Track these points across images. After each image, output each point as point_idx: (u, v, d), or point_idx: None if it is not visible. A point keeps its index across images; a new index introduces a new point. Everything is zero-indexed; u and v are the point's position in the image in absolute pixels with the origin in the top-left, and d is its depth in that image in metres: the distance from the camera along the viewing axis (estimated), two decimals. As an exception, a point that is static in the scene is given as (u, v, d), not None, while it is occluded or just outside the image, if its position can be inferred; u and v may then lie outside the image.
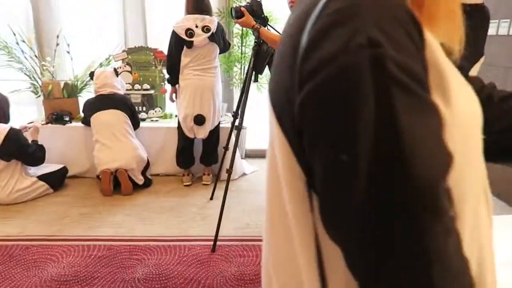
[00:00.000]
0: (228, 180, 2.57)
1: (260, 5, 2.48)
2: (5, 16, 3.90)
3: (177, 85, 3.36)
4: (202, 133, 3.37)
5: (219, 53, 3.35)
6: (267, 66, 2.57)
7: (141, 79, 3.98)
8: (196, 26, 3.11)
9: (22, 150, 2.98)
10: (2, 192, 2.96)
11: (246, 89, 2.57)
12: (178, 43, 3.14)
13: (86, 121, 3.36)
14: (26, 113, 4.19)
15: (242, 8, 2.40)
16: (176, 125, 3.53)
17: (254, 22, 2.40)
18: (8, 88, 3.69)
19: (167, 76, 3.40)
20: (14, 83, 3.85)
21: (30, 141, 3.19)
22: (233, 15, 2.44)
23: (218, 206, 2.58)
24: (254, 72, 2.56)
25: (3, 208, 2.98)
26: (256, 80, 2.60)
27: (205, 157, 3.54)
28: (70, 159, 3.58)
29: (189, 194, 3.32)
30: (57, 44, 3.80)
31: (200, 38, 3.11)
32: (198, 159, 3.56)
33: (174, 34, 3.14)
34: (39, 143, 3.23)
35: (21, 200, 3.05)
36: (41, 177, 3.17)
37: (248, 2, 2.48)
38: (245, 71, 3.83)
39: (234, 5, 2.53)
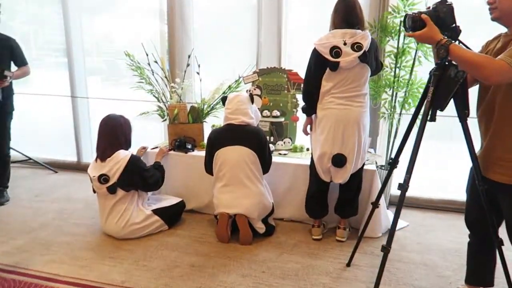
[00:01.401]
0: (384, 261, 1.80)
1: (450, 10, 1.68)
2: (139, 36, 3.83)
3: (313, 116, 2.73)
4: (340, 176, 2.65)
5: (370, 76, 2.62)
6: (452, 99, 1.74)
7: (271, 104, 3.48)
8: (345, 44, 2.44)
9: (141, 177, 2.71)
10: (117, 225, 2.70)
11: (419, 132, 1.79)
12: (320, 65, 2.51)
13: (209, 162, 2.86)
14: (153, 137, 4.05)
15: (424, 16, 1.65)
16: (308, 162, 2.90)
17: (441, 36, 1.62)
18: (136, 109, 3.56)
19: (302, 103, 2.80)
20: (142, 104, 3.72)
21: (153, 163, 2.95)
22: (408, 25, 1.70)
23: (357, 280, 1.87)
24: (431, 107, 1.76)
25: (117, 244, 2.72)
26: (433, 119, 1.79)
27: (342, 207, 2.81)
28: (189, 191, 3.23)
29: (320, 254, 2.62)
30: (188, 65, 3.55)
31: (349, 58, 2.43)
32: (332, 207, 2.85)
33: (316, 54, 2.52)
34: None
35: (135, 235, 2.76)
36: (157, 211, 2.84)
37: (431, 7, 1.71)
38: (416, 103, 3.08)
39: (409, 12, 1.78)
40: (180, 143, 3.24)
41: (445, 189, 3.54)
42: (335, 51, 2.44)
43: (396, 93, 3.22)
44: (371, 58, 2.52)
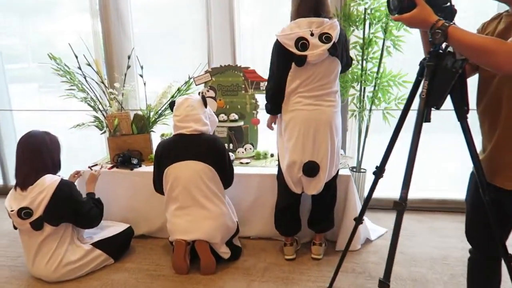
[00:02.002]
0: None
1: (443, -14, 1.37)
2: (69, 37, 3.29)
3: (278, 117, 2.37)
4: (314, 187, 2.30)
5: (340, 72, 2.29)
6: (449, 94, 1.43)
7: (228, 106, 3.08)
8: (312, 34, 2.09)
9: (74, 209, 2.20)
10: (47, 267, 2.20)
11: (414, 137, 1.48)
12: (285, 60, 2.14)
13: (158, 180, 2.42)
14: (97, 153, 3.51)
15: (413, -6, 1.32)
16: (274, 171, 2.54)
17: (436, 17, 1.30)
18: (76, 120, 3.03)
19: (262, 104, 2.42)
20: (83, 114, 3.17)
21: (87, 194, 2.42)
22: (394, 6, 1.37)
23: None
24: (426, 105, 1.45)
25: (49, 288, 2.21)
26: (428, 119, 1.48)
27: (317, 221, 2.47)
28: (138, 214, 2.76)
29: (295, 278, 2.27)
30: (128, 67, 3.06)
31: (317, 51, 2.08)
32: (305, 221, 2.51)
33: (279, 47, 2.15)
34: (96, 195, 2.45)
35: (71, 277, 2.26)
36: (99, 244, 2.36)
37: (420, -18, 1.39)
38: (387, 98, 2.79)
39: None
40: (123, 159, 2.76)
41: (419, 187, 3.33)
42: (302, 43, 2.08)
43: (365, 88, 2.93)
44: (341, 51, 2.20)
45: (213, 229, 2.26)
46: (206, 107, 2.48)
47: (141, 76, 3.04)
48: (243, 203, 2.67)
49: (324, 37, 2.09)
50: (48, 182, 2.14)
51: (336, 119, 2.24)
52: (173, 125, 2.42)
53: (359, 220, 1.91)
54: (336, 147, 2.28)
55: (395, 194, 3.12)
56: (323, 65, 2.14)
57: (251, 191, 2.66)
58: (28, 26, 3.70)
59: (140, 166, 2.81)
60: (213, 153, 2.32)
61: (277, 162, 2.77)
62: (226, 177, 2.40)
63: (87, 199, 2.28)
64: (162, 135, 3.14)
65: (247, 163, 2.84)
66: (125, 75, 3.07)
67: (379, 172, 1.78)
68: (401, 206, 1.46)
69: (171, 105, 2.49)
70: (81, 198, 2.24)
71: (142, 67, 3.03)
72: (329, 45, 2.08)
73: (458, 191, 3.15)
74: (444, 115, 1.59)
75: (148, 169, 2.74)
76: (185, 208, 2.28)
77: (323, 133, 2.20)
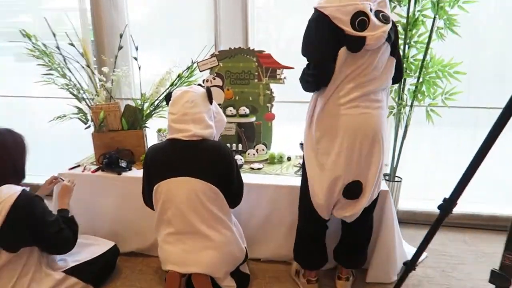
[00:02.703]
0: None
1: None
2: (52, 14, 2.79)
3: (309, 121, 1.78)
4: (350, 211, 1.76)
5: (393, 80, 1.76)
6: None
7: (237, 98, 2.57)
8: (370, 9, 1.55)
9: (37, 232, 1.72)
10: (8, 300, 1.75)
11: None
12: (333, 41, 1.56)
13: (148, 194, 1.91)
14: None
15: None
16: (291, 181, 2.04)
17: None
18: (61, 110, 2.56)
19: (277, 96, 1.89)
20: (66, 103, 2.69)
21: (57, 211, 1.94)
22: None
23: None
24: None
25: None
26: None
27: (347, 254, 1.96)
28: (127, 228, 2.31)
29: (318, 323, 1.79)
30: (120, 48, 2.56)
31: (377, 32, 1.53)
32: (331, 250, 2.01)
33: (325, 24, 1.56)
34: (76, 206, 1.98)
35: (39, 311, 1.81)
36: (74, 270, 1.90)
37: None
38: (433, 92, 2.17)
39: None
40: (110, 160, 2.28)
41: (466, 198, 2.79)
42: (361, 19, 1.51)
43: (405, 79, 2.39)
44: (395, 39, 1.66)
45: (215, 261, 1.78)
46: (211, 103, 1.93)
47: (135, 59, 2.55)
48: (253, 219, 2.19)
49: (382, 15, 1.55)
50: (5, 194, 1.66)
51: (384, 126, 1.71)
52: (167, 126, 1.91)
53: (411, 266, 1.40)
54: (382, 163, 1.75)
55: (430, 206, 2.52)
56: (378, 53, 1.59)
57: (263, 205, 2.17)
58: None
59: (130, 169, 2.33)
60: (217, 168, 1.80)
61: (295, 169, 2.27)
62: (233, 197, 1.89)
63: (56, 218, 1.80)
64: (159, 130, 2.66)
65: (259, 169, 2.34)
66: (116, 57, 2.57)
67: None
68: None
69: (167, 98, 1.98)
70: (48, 217, 1.75)
71: (137, 48, 2.54)
72: (389, 26, 1.54)
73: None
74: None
75: (140, 173, 2.26)
76: (180, 234, 1.80)
77: (372, 145, 1.66)
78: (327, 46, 1.56)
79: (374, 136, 1.64)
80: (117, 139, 2.41)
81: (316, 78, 1.64)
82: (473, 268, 2.22)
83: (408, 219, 2.70)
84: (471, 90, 2.51)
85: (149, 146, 2.04)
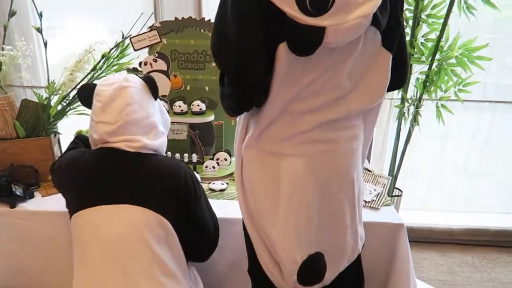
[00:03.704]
0: None
1: None
2: None
3: (247, 153, 1.08)
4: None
5: (390, 85, 1.05)
6: None
7: (188, 88, 1.88)
8: None
9: None
10: None
11: None
12: (264, 31, 0.86)
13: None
14: None
15: None
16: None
17: None
18: None
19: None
20: None
21: None
22: None
23: None
24: None
25: None
26: None
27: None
28: (30, 280, 1.57)
29: None
30: (13, 14, 1.75)
31: (350, 18, 0.83)
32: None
33: (252, 4, 0.86)
34: None
35: None
36: None
37: None
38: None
39: None
40: (-3, 186, 1.51)
41: (469, 207, 2.35)
42: None
43: (411, 65, 1.82)
44: (392, 21, 0.98)
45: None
46: (156, 98, 1.30)
47: (39, 31, 1.75)
48: (216, 265, 1.55)
49: None
50: None
51: (359, 162, 1.10)
52: (91, 137, 1.24)
53: None
54: (359, 207, 1.14)
55: (446, 221, 1.94)
56: (355, 49, 0.93)
57: (230, 247, 1.52)
58: None
59: (30, 197, 1.57)
60: (171, 195, 1.17)
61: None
62: (196, 244, 1.26)
63: None
64: (79, 133, 1.89)
65: (221, 190, 1.68)
66: (5, 29, 1.75)
67: None
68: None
69: (84, 93, 1.27)
70: None
71: (40, 16, 1.74)
72: (377, 2, 0.88)
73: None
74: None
75: (47, 201, 1.54)
76: (105, 284, 1.12)
77: (338, 197, 1.05)
78: (254, 40, 0.88)
79: (342, 182, 1.03)
80: (11, 151, 1.62)
81: (237, 100, 0.99)
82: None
83: (415, 237, 2.20)
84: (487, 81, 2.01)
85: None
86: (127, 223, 1.12)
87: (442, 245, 2.16)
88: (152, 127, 1.23)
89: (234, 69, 0.92)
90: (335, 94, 0.95)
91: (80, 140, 1.48)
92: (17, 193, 1.52)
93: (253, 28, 0.86)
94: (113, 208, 1.13)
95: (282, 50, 0.87)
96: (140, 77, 1.30)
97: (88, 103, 1.26)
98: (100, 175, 1.17)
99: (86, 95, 1.26)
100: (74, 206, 1.19)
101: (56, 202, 1.45)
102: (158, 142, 1.23)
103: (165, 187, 1.16)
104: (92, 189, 1.17)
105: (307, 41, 0.85)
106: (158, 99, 1.33)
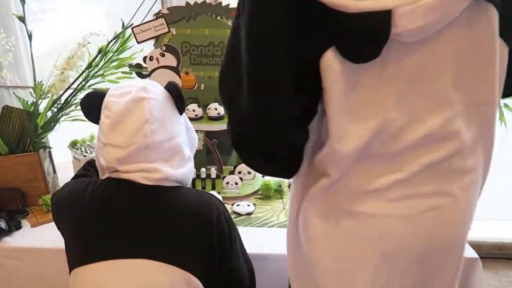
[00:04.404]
0: None
1: None
2: None
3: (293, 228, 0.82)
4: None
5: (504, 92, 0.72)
6: None
7: (203, 87, 1.58)
8: None
9: None
10: None
11: None
12: (304, 34, 0.58)
13: None
14: None
15: None
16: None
17: None
18: None
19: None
20: None
21: None
22: None
23: None
24: None
25: None
26: None
27: None
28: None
29: None
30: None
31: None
32: None
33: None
34: None
35: None
36: None
37: None
38: None
39: None
40: (-27, 219, 1.22)
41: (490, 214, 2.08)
42: None
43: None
44: None
45: None
46: (182, 112, 1.00)
47: (21, 20, 1.45)
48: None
49: None
50: None
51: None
52: (98, 162, 0.95)
53: None
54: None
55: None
56: (458, 41, 0.60)
57: (264, 284, 1.25)
58: None
59: (17, 228, 1.29)
60: (202, 240, 0.88)
61: None
62: None
63: None
64: (74, 144, 1.60)
65: (248, 214, 1.39)
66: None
67: None
68: None
69: (88, 104, 0.98)
70: None
71: (23, 2, 1.43)
72: None
73: None
74: None
75: (38, 233, 1.26)
76: None
77: (443, 271, 0.75)
78: (284, 47, 0.59)
79: (448, 255, 0.74)
80: (-10, 171, 1.34)
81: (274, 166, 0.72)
82: None
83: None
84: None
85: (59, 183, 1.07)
86: (144, 284, 0.84)
87: (492, 260, 1.90)
88: (176, 151, 0.94)
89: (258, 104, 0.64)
90: (439, 116, 0.64)
91: (93, 167, 1.15)
92: (0, 225, 1.24)
93: (286, 36, 0.58)
94: (124, 264, 0.84)
95: (331, 59, 0.56)
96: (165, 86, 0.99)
97: (94, 117, 0.96)
98: (107, 218, 0.88)
99: (91, 106, 0.96)
100: (74, 258, 0.90)
101: (49, 234, 1.17)
102: (183, 171, 0.94)
103: (194, 234, 0.87)
104: (97, 237, 0.88)
105: (366, 38, 0.55)
106: (184, 115, 1.03)
